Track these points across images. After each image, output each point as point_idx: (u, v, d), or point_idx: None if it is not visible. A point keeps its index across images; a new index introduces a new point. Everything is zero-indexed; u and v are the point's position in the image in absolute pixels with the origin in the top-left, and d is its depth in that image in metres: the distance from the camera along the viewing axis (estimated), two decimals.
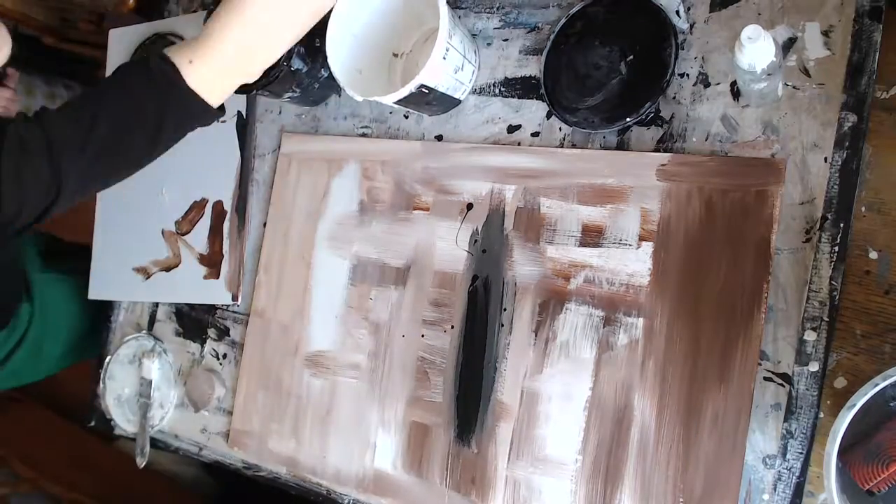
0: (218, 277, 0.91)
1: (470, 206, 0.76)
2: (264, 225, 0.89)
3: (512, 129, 0.76)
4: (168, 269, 0.95)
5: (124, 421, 0.97)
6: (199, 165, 0.94)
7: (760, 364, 0.62)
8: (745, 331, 0.62)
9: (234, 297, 0.90)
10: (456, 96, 0.76)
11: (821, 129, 0.62)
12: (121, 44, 1.03)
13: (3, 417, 1.81)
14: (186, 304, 0.95)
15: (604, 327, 0.68)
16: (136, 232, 0.98)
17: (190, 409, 0.91)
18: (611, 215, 0.69)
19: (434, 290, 0.77)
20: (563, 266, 0.71)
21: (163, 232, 0.96)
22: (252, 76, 0.68)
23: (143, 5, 1.12)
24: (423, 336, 0.77)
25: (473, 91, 0.78)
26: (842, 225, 0.60)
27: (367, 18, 0.76)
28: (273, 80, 0.76)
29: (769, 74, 0.57)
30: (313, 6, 0.66)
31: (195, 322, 0.94)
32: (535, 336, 0.71)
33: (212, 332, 0.92)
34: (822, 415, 0.60)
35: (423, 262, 0.78)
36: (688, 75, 0.68)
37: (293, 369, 0.84)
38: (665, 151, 0.68)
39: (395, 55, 0.81)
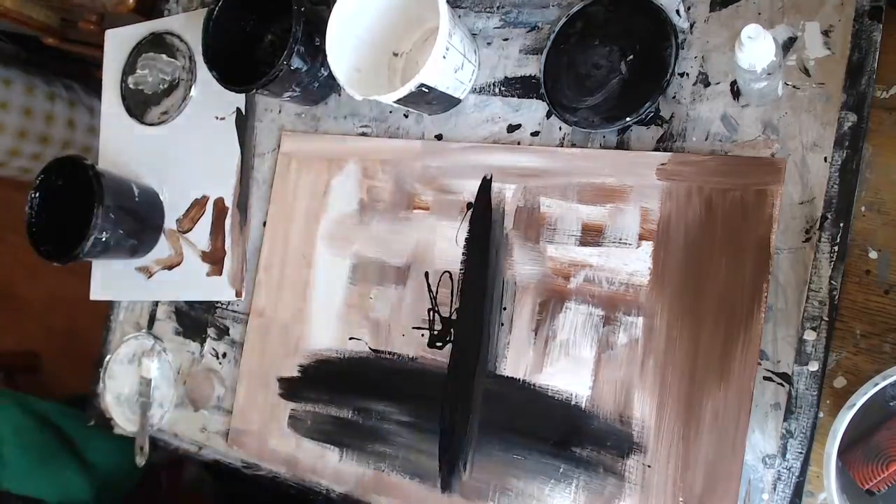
0: (221, 274, 0.91)
1: (470, 206, 0.76)
2: (264, 224, 0.89)
3: (512, 128, 0.76)
4: (170, 268, 0.95)
5: (124, 420, 0.97)
6: (199, 163, 0.94)
7: (760, 363, 0.62)
8: (745, 330, 0.62)
9: (238, 294, 0.90)
10: (456, 95, 0.76)
11: (821, 128, 0.62)
12: (117, 44, 1.03)
13: None
14: (186, 303, 0.95)
15: (604, 326, 0.68)
16: None
17: (189, 409, 0.91)
18: (611, 214, 0.69)
19: (434, 290, 0.77)
20: (563, 265, 0.71)
21: (164, 230, 0.96)
22: None
23: (142, 5, 1.12)
24: (423, 335, 0.77)
25: (473, 90, 0.78)
26: (841, 224, 0.60)
27: (366, 18, 0.76)
28: (273, 79, 0.76)
29: (769, 74, 0.57)
30: None
31: (195, 321, 0.94)
32: (535, 335, 0.71)
33: (211, 332, 0.92)
34: (821, 414, 0.60)
35: (424, 261, 0.78)
36: (688, 75, 0.68)
37: (293, 368, 0.84)
38: (665, 151, 0.68)
39: (395, 54, 0.81)
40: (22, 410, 1.17)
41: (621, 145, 0.70)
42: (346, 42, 0.74)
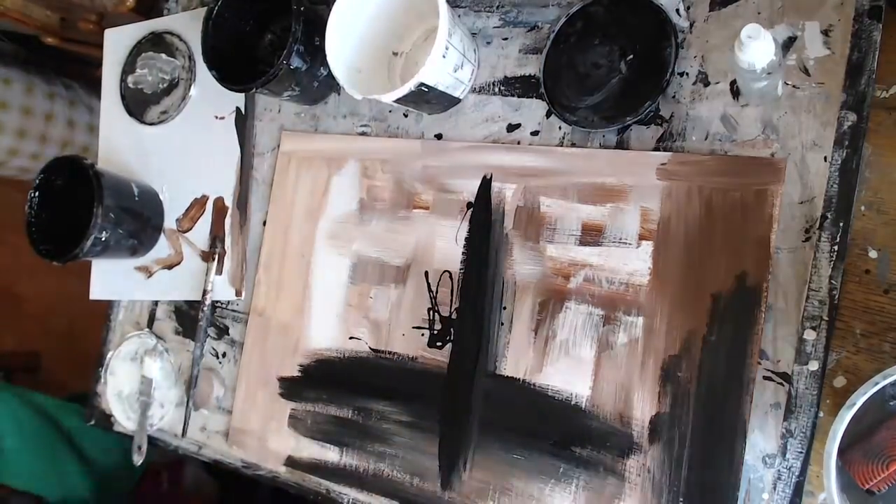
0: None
1: (470, 205, 0.76)
2: (264, 223, 0.89)
3: (511, 127, 0.76)
4: (170, 267, 0.95)
5: (124, 418, 0.97)
6: (198, 163, 0.94)
7: (760, 363, 0.62)
8: (745, 330, 0.62)
9: (238, 293, 0.90)
10: (455, 95, 0.76)
11: (820, 128, 0.62)
12: (116, 44, 1.03)
13: None
14: (185, 303, 0.95)
15: (603, 326, 0.68)
16: None
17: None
18: (611, 214, 0.69)
19: (434, 289, 0.77)
20: (563, 265, 0.71)
21: (164, 230, 0.96)
22: None
23: (142, 5, 1.12)
24: (422, 335, 0.77)
25: (473, 90, 0.78)
26: (841, 224, 0.60)
27: (366, 17, 0.76)
28: (272, 78, 0.76)
29: (769, 73, 0.57)
30: None
31: (194, 321, 0.94)
32: (535, 335, 0.71)
33: (211, 331, 0.92)
34: (821, 414, 0.60)
35: (423, 260, 0.78)
36: (687, 74, 0.68)
37: (293, 368, 0.84)
38: (665, 150, 0.68)
39: (395, 53, 0.81)
40: (23, 405, 1.17)
41: (621, 145, 0.70)
42: (345, 41, 0.74)
